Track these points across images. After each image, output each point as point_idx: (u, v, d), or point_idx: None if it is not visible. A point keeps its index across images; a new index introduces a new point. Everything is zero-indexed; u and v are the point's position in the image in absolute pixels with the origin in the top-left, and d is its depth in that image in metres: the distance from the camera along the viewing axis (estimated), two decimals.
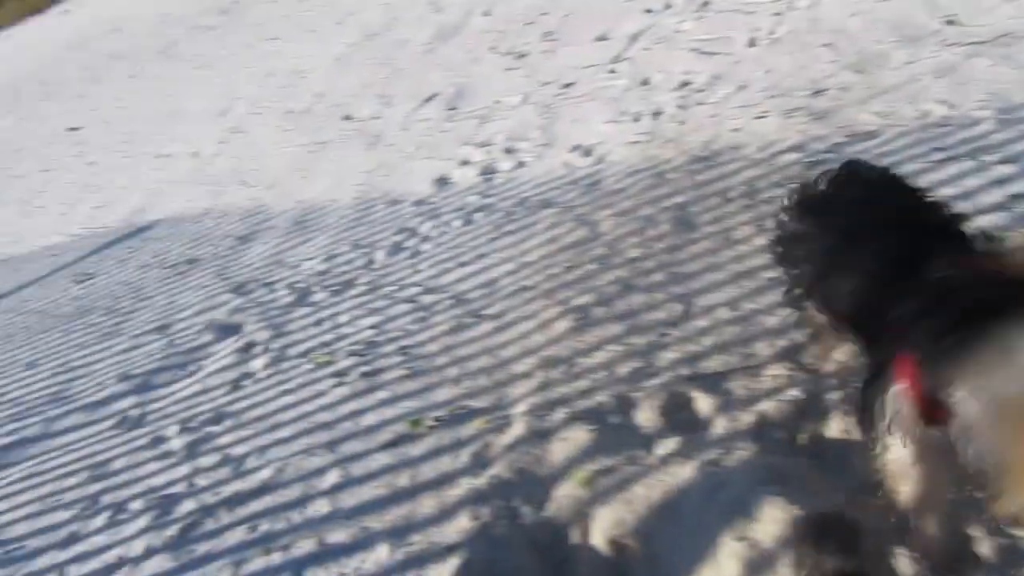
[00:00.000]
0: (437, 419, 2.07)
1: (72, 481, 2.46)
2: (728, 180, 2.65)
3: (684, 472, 1.61)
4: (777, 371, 1.78)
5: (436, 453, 1.96)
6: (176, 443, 2.44)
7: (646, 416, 1.81)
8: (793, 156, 2.60)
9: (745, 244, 2.26)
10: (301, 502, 1.98)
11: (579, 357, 2.09)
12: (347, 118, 4.88)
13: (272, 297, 3.16)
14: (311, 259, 3.35)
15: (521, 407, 1.99)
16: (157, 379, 2.89)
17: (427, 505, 1.81)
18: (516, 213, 3.01)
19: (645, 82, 3.64)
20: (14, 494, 2.51)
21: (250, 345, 2.85)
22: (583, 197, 2.93)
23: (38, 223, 5.65)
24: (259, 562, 1.84)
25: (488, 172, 3.48)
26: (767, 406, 1.69)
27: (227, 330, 3.05)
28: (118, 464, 2.45)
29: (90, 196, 5.70)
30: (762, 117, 2.92)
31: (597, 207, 2.82)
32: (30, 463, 2.66)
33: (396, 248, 3.14)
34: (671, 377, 1.89)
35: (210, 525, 2.03)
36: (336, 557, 1.77)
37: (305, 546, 1.83)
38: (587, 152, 3.26)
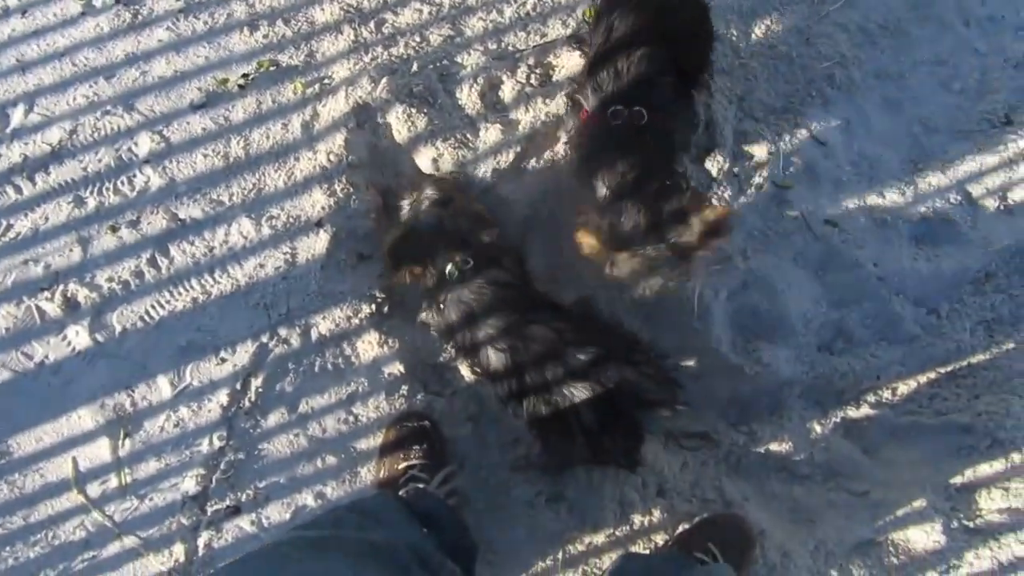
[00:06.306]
0: (245, 76, 2.05)
1: None
2: None
3: None
4: None
5: (261, 120, 2.03)
6: None
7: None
8: None
9: None
10: (121, 171, 1.96)
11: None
12: None
13: None
14: None
15: (340, 71, 2.05)
16: None
17: (273, 178, 1.98)
18: None
19: None
20: None
21: None
22: None
23: None
24: (109, 240, 1.91)
25: None
26: None
27: None
28: None
29: None
30: None
31: None
32: None
33: None
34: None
35: (17, 195, 1.93)
36: (197, 232, 1.93)
37: (156, 222, 1.93)
38: None
